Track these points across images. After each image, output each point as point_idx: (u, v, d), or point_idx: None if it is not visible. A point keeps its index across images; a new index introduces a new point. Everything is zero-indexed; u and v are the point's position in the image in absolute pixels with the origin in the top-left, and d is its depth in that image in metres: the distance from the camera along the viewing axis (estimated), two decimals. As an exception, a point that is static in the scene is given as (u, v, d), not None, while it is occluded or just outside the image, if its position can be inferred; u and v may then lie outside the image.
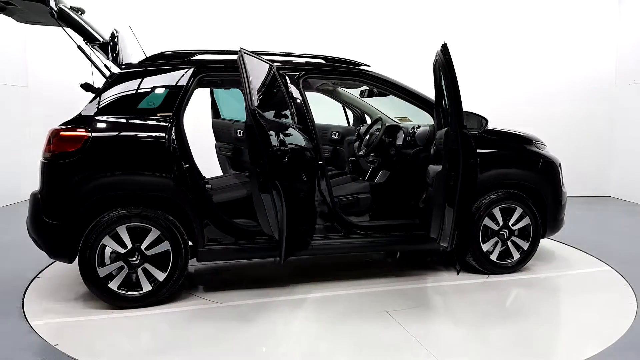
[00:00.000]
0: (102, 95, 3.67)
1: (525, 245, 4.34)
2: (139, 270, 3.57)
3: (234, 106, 5.62)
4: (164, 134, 3.60)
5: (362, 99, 5.27)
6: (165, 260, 3.62)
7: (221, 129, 5.77)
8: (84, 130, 3.49)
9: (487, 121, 3.97)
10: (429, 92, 4.21)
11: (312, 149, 3.78)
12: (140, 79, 3.73)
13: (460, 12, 8.24)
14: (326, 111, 6.01)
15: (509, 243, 4.32)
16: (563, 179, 4.59)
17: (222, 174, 5.64)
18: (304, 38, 7.64)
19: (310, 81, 4.50)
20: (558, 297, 4.04)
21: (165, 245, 3.60)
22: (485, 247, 4.24)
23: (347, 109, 5.80)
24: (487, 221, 4.22)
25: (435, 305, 3.74)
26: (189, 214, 3.66)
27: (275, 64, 3.91)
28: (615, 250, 5.14)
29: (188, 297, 3.82)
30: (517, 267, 4.36)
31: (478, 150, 4.12)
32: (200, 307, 3.65)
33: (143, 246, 3.56)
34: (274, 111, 3.67)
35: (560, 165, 4.56)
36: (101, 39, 3.82)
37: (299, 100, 3.91)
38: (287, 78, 3.92)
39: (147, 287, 3.59)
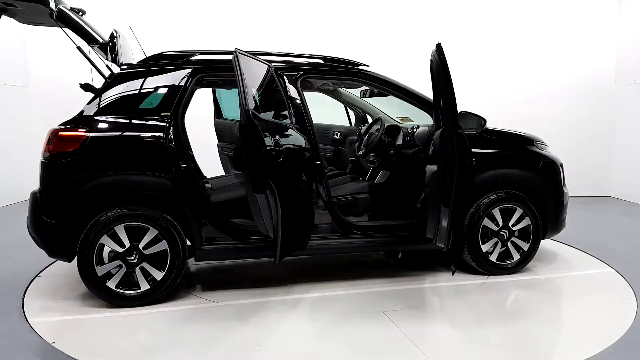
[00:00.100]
0: (102, 95, 3.69)
1: (525, 246, 4.32)
2: (137, 269, 3.59)
3: (236, 106, 5.60)
4: (161, 134, 3.61)
5: (363, 99, 5.27)
6: (163, 260, 3.64)
7: (223, 129, 5.79)
8: (82, 130, 3.52)
9: (485, 121, 3.95)
10: (429, 92, 4.20)
11: (310, 149, 3.78)
12: (139, 79, 3.75)
13: (461, 12, 8.22)
14: (328, 111, 6.03)
15: (509, 244, 4.29)
16: (564, 179, 4.56)
17: (224, 174, 5.65)
18: (303, 38, 7.65)
19: (309, 81, 4.51)
20: (558, 298, 4.01)
21: (163, 245, 3.62)
22: (484, 247, 4.22)
23: (348, 109, 5.81)
24: (486, 222, 4.20)
25: (432, 306, 3.73)
26: (187, 214, 3.68)
27: (274, 64, 3.93)
28: (615, 250, 5.11)
29: (186, 296, 3.83)
30: (517, 268, 4.33)
31: (478, 150, 4.15)
32: (198, 307, 3.67)
33: (141, 245, 3.59)
34: (270, 111, 3.68)
35: (561, 165, 4.53)
36: (101, 40, 3.84)
37: (297, 101, 3.91)
38: (285, 78, 3.93)
39: (145, 286, 3.61)
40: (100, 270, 3.53)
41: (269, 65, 3.80)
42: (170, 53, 3.91)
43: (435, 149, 3.80)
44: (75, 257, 3.56)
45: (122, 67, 3.78)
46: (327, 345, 3.11)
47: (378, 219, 4.35)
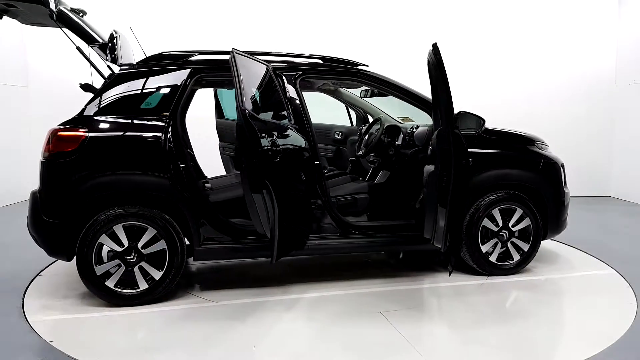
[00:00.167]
0: (101, 95, 3.71)
1: (525, 247, 4.30)
2: (136, 269, 3.61)
3: (237, 106, 5.65)
4: (160, 134, 3.63)
5: (364, 99, 5.27)
6: (161, 259, 3.65)
7: (225, 129, 5.81)
8: (81, 130, 3.54)
9: (484, 121, 3.94)
10: (429, 92, 4.18)
11: (308, 149, 3.78)
12: (138, 80, 3.77)
13: (461, 12, 8.20)
14: (330, 111, 6.03)
15: (509, 244, 4.28)
16: (566, 179, 4.53)
17: (225, 174, 5.67)
18: (303, 38, 7.65)
19: (309, 81, 4.51)
20: (558, 299, 3.99)
21: (161, 244, 3.63)
22: (484, 248, 4.21)
23: (350, 109, 5.80)
24: (486, 222, 4.19)
25: (430, 306, 3.72)
26: (185, 214, 3.69)
27: (273, 64, 3.93)
28: (615, 250, 5.09)
29: (184, 296, 3.85)
30: (517, 268, 4.31)
31: (478, 151, 4.15)
32: (196, 306, 3.68)
33: (139, 245, 3.60)
34: (269, 111, 3.68)
35: (562, 165, 4.50)
36: (100, 40, 3.86)
37: (295, 101, 3.91)
38: (284, 78, 3.93)
39: (143, 285, 3.63)
40: (99, 270, 3.56)
41: (267, 66, 3.81)
42: (170, 53, 3.92)
43: (433, 149, 3.79)
44: (75, 257, 3.58)
45: (122, 67, 3.80)
46: (322, 346, 3.11)
47: (377, 219, 4.35)
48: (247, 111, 3.04)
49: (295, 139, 3.69)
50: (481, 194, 4.18)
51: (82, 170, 3.53)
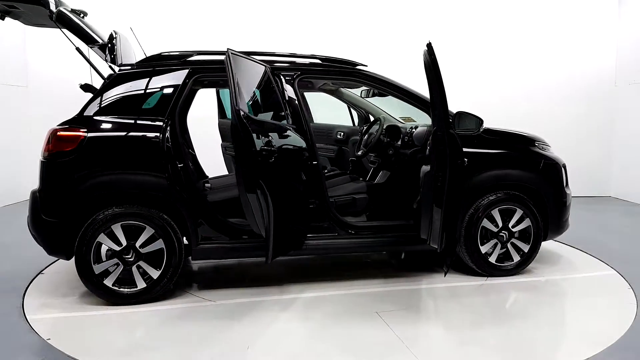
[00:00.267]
0: (100, 96, 3.74)
1: (525, 248, 4.27)
2: (134, 268, 3.63)
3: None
4: (158, 134, 3.65)
5: (365, 98, 5.26)
6: (159, 258, 3.67)
7: (227, 129, 5.81)
8: (80, 130, 3.57)
9: (482, 121, 3.92)
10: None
11: (306, 149, 3.78)
12: (136, 80, 3.79)
13: (461, 13, 8.18)
14: (333, 111, 6.03)
15: (509, 245, 4.25)
16: (567, 180, 4.49)
17: (227, 174, 5.69)
18: (302, 38, 7.65)
19: (308, 81, 4.51)
20: (557, 300, 3.96)
21: (159, 244, 3.65)
22: (483, 249, 4.19)
23: (351, 109, 5.80)
24: (486, 223, 4.16)
25: (427, 307, 3.71)
26: (183, 213, 3.71)
27: (271, 64, 3.93)
28: (615, 250, 5.06)
29: (182, 295, 3.87)
30: (517, 269, 4.29)
31: (477, 151, 4.13)
32: (194, 305, 3.70)
33: (137, 244, 3.63)
34: (266, 111, 3.69)
35: (564, 166, 4.46)
36: (100, 41, 3.89)
37: (294, 101, 3.92)
38: (282, 78, 3.93)
39: (141, 284, 3.65)
40: (98, 268, 3.58)
41: (265, 66, 3.82)
42: (169, 54, 3.95)
43: (430, 149, 3.78)
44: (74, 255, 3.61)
45: (121, 67, 3.82)
46: (317, 345, 3.11)
47: (376, 219, 4.34)
48: (241, 111, 3.05)
49: (292, 139, 3.69)
50: (480, 195, 4.16)
51: (81, 170, 3.56)
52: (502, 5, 8.21)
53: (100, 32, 4.00)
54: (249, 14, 7.89)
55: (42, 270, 4.39)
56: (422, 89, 4.30)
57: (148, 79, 3.81)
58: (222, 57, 3.95)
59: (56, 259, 4.37)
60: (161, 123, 3.68)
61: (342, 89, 5.21)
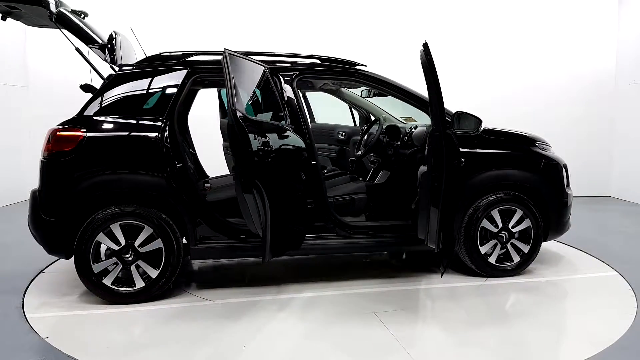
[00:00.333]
0: (99, 96, 3.76)
1: (525, 248, 4.25)
2: (132, 267, 3.65)
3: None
4: (157, 134, 3.66)
5: (366, 98, 5.25)
6: (158, 258, 3.69)
7: (228, 129, 5.83)
8: (79, 130, 3.59)
9: (481, 121, 3.90)
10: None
11: (305, 149, 3.79)
12: (136, 80, 3.81)
13: (461, 13, 8.15)
14: (335, 111, 6.03)
15: (509, 246, 4.23)
16: (568, 180, 4.47)
17: (228, 173, 5.70)
18: (302, 38, 7.65)
19: (307, 81, 4.51)
20: (557, 301, 3.93)
21: (157, 243, 3.67)
22: (483, 249, 4.17)
23: (353, 109, 5.79)
24: (485, 223, 4.14)
25: (425, 308, 3.70)
26: (181, 212, 3.72)
27: (270, 64, 3.94)
28: (615, 251, 5.04)
29: (181, 294, 3.88)
30: (517, 270, 4.26)
31: (475, 151, 4.11)
32: (192, 304, 3.71)
33: (136, 243, 3.64)
34: (264, 111, 3.70)
35: (565, 166, 4.43)
36: (100, 41, 3.91)
37: (293, 101, 3.92)
38: (281, 78, 3.94)
39: (140, 283, 3.67)
40: (97, 268, 3.60)
41: (263, 66, 3.82)
42: (168, 54, 3.96)
43: (427, 149, 3.77)
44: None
45: (120, 68, 3.84)
46: (312, 345, 3.11)
47: (375, 219, 4.33)
48: (237, 111, 3.06)
49: (291, 139, 3.69)
50: (480, 195, 4.14)
51: (80, 170, 3.59)
52: (502, 6, 8.18)
53: (100, 32, 4.03)
54: (249, 14, 7.90)
55: (43, 270, 4.42)
56: (422, 89, 4.32)
57: (147, 79, 3.83)
58: (220, 57, 3.98)
59: (57, 258, 4.40)
60: (160, 123, 3.70)
61: (343, 89, 5.21)
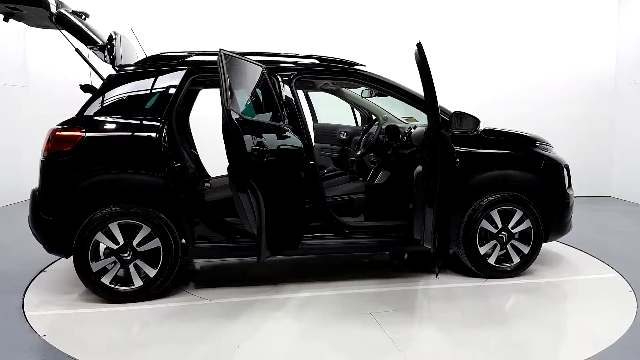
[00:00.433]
0: (99, 96, 3.79)
1: (525, 249, 4.22)
2: (131, 266, 3.67)
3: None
4: (155, 134, 3.68)
5: (367, 98, 5.25)
6: (156, 257, 3.71)
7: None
8: (78, 130, 3.62)
9: (479, 121, 3.89)
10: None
11: (303, 150, 3.79)
12: (135, 81, 3.83)
13: (460, 13, 8.12)
14: (337, 111, 6.03)
15: (509, 246, 4.21)
16: (570, 181, 4.43)
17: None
18: (301, 38, 7.65)
19: (306, 81, 4.51)
20: (557, 301, 3.91)
21: (155, 242, 3.69)
22: (482, 250, 4.15)
23: (354, 109, 5.79)
24: (484, 224, 4.12)
25: (422, 308, 3.69)
26: (179, 212, 3.74)
27: (268, 64, 3.95)
28: (616, 251, 5.01)
29: (179, 293, 3.90)
30: (517, 271, 4.24)
31: (474, 151, 4.09)
32: (189, 304, 3.73)
33: (134, 242, 3.67)
34: (261, 111, 3.70)
35: (566, 167, 4.40)
36: (100, 42, 3.94)
37: (291, 101, 3.92)
38: (279, 78, 3.94)
39: (138, 282, 3.69)
40: (95, 267, 3.63)
41: (261, 66, 3.83)
42: (167, 54, 3.98)
43: (423, 149, 3.76)
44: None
45: (119, 68, 3.87)
46: (307, 345, 3.11)
47: (373, 219, 4.33)
48: (232, 111, 3.07)
49: (289, 139, 3.69)
50: (479, 195, 4.12)
51: (79, 169, 3.61)
52: (502, 6, 8.15)
53: (101, 33, 4.05)
54: (248, 14, 7.91)
55: (44, 268, 4.46)
56: (422, 89, 4.31)
57: (146, 79, 3.85)
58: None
59: (58, 257, 4.43)
60: (158, 123, 3.72)
61: (343, 89, 5.21)
